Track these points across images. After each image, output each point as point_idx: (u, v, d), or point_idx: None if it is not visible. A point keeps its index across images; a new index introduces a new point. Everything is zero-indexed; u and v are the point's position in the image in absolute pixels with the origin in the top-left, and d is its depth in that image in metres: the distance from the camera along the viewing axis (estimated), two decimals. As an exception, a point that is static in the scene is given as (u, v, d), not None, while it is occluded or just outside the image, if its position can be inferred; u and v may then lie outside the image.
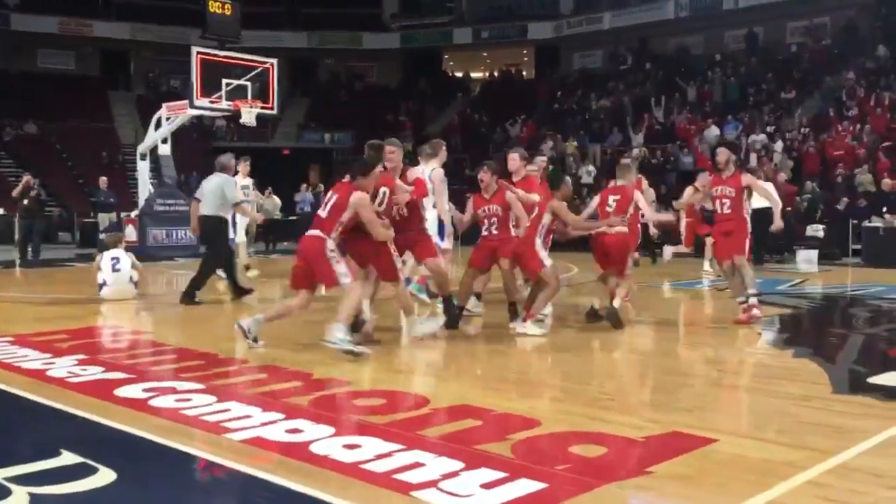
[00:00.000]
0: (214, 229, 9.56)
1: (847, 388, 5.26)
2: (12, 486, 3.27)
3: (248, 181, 11.93)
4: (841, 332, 8.24)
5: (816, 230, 16.83)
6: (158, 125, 17.35)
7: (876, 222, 16.24)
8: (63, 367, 5.67)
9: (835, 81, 24.96)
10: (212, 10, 15.75)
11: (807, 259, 16.19)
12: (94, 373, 5.50)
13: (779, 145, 21.69)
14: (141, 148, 18.23)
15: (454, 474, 3.47)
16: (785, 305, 9.69)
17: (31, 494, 3.20)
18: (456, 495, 3.23)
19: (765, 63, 27.84)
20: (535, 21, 34.83)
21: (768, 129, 23.04)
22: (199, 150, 29.45)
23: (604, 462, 3.73)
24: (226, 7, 15.97)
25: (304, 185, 21.84)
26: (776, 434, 4.15)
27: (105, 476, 3.43)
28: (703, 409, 4.86)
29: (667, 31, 31.77)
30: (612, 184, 8.22)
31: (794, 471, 3.53)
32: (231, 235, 10.84)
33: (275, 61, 17.01)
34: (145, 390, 4.97)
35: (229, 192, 9.46)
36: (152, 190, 17.76)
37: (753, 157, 21.75)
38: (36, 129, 29.42)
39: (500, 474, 3.45)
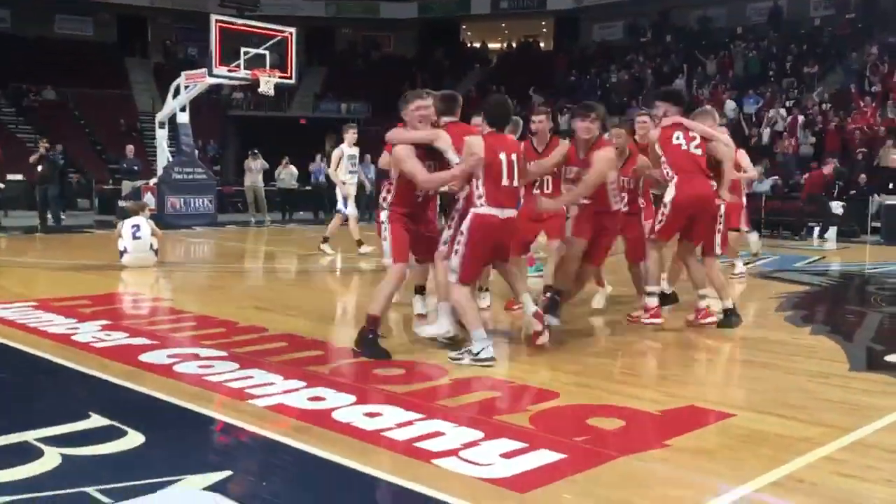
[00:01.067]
0: None
1: (864, 365, 5.28)
2: (44, 447, 3.36)
3: (355, 150, 11.50)
4: (858, 309, 8.23)
5: (836, 207, 16.72)
6: (177, 93, 17.38)
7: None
8: (88, 332, 5.77)
9: (858, 56, 24.63)
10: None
11: (825, 236, 16.12)
12: (118, 338, 5.59)
13: (800, 120, 21.50)
14: (159, 116, 18.29)
15: (474, 444, 3.53)
16: (802, 283, 9.68)
17: (63, 455, 3.28)
18: (476, 464, 3.29)
19: (787, 37, 27.50)
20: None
21: (787, 103, 22.83)
22: (216, 118, 29.50)
23: (622, 434, 3.78)
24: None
25: (319, 156, 21.83)
26: (793, 410, 4.18)
27: (134, 439, 3.52)
28: (721, 384, 4.91)
29: (688, 2, 31.36)
30: None
31: (811, 446, 3.57)
32: (340, 206, 11.16)
33: (293, 30, 16.97)
34: (169, 356, 5.06)
35: None
36: (170, 158, 17.84)
37: (767, 132, 21.66)
38: (54, 95, 29.50)
39: (520, 444, 3.51)
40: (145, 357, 5.04)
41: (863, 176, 18.13)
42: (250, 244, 14.86)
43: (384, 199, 5.50)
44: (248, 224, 17.87)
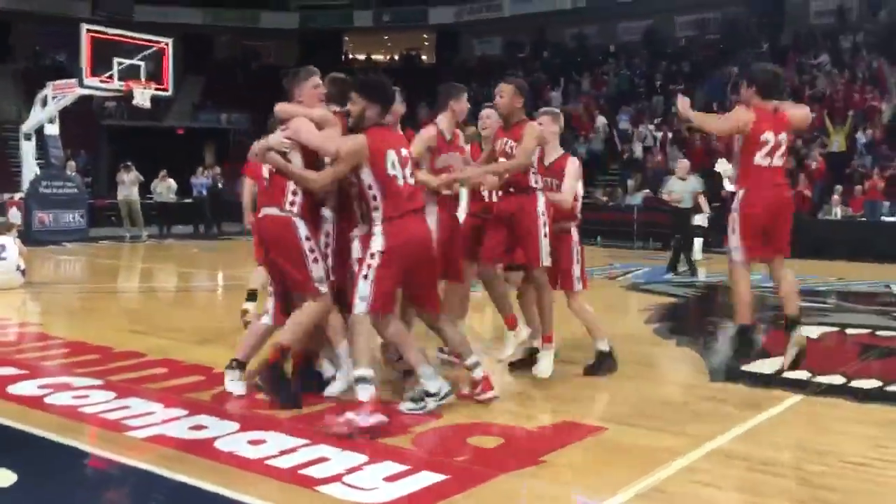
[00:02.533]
0: None
1: (723, 375, 5.64)
2: None
3: None
4: (719, 320, 8.70)
5: (701, 218, 17.64)
6: (45, 104, 16.61)
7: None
8: (-51, 363, 5.48)
9: (721, 75, 26.16)
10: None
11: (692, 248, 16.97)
12: (-17, 369, 5.35)
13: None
14: (25, 127, 17.37)
15: (358, 468, 3.61)
16: (670, 294, 10.20)
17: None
18: (360, 489, 3.37)
19: (656, 55, 28.92)
20: (436, 6, 34.93)
21: (655, 120, 23.99)
22: (87, 128, 28.26)
23: (500, 452, 3.94)
24: (119, -17, 15.44)
25: (200, 168, 21.27)
26: (659, 422, 4.45)
27: (5, 477, 3.40)
28: (592, 398, 5.15)
29: (564, 20, 32.45)
30: None
31: (673, 456, 3.83)
32: None
33: (170, 41, 16.54)
34: (40, 387, 4.88)
35: None
36: (38, 171, 17.00)
37: (639, 147, 22.75)
38: None
39: (403, 467, 3.61)
40: (14, 389, 4.84)
41: (729, 188, 19.21)
42: (125, 261, 14.36)
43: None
44: (122, 239, 17.22)
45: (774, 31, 27.44)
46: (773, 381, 5.41)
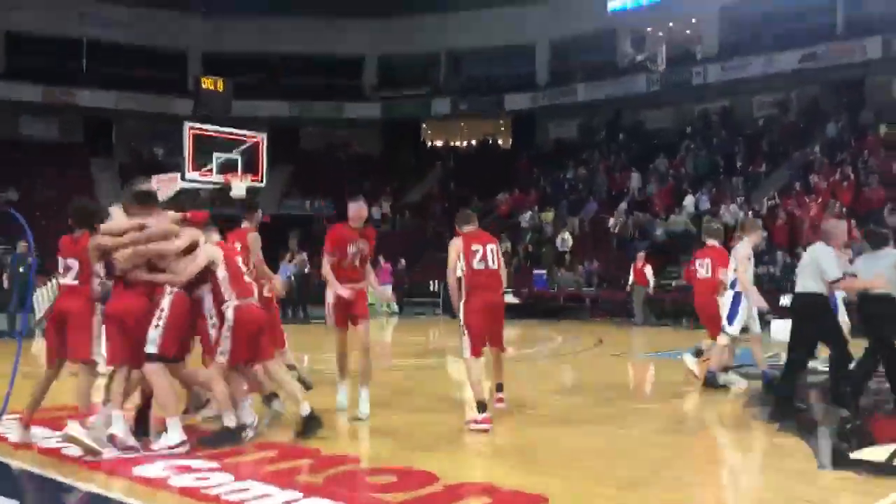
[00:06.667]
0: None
1: (830, 463, 5.53)
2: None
3: None
4: (819, 406, 8.47)
5: (789, 300, 17.30)
6: (148, 196, 17.59)
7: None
8: None
9: (801, 155, 25.92)
10: (205, 87, 16.23)
11: (781, 329, 16.61)
12: None
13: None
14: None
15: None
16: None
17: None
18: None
19: (734, 135, 28.87)
20: (511, 92, 35.80)
21: (738, 199, 23.81)
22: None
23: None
24: (218, 84, 16.48)
25: (288, 255, 21.99)
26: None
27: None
28: (700, 485, 5.12)
29: (639, 103, 32.78)
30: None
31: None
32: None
33: (264, 136, 17.46)
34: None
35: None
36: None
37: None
38: (17, 197, 29.51)
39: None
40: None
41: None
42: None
43: None
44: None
45: (854, 107, 27.18)
46: (884, 469, 5.31)
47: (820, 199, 21.93)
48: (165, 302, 5.71)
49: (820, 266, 7.05)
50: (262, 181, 17.56)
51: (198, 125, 16.31)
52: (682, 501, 4.61)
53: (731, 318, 8.65)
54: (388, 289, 23.11)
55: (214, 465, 5.25)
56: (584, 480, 5.09)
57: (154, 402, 5.85)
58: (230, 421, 5.85)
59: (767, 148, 27.33)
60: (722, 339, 8.72)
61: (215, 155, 16.14)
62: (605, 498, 4.63)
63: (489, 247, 6.83)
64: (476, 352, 6.67)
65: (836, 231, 7.57)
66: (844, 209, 20.45)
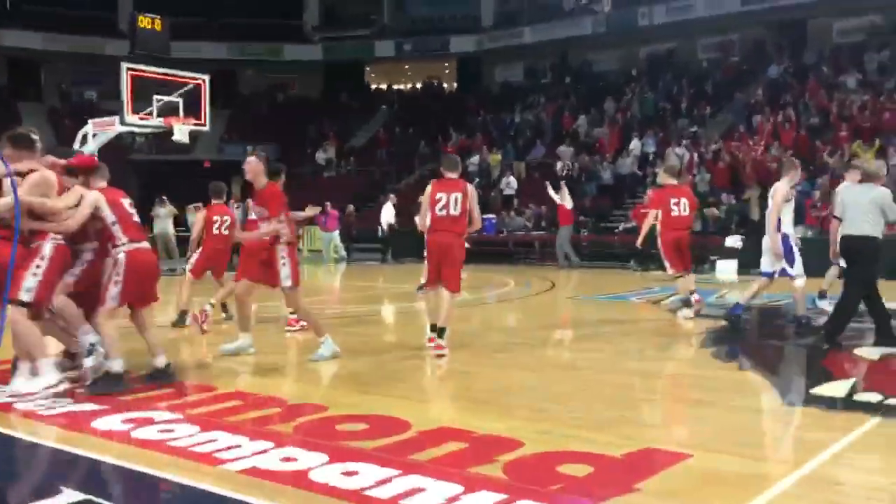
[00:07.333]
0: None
1: (795, 399, 5.63)
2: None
3: None
4: (777, 343, 8.66)
5: (735, 241, 17.65)
6: (84, 141, 16.91)
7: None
8: None
9: (744, 96, 26.21)
10: (141, 26, 15.49)
11: (726, 269, 16.98)
12: None
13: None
14: (64, 164, 17.65)
15: (456, 498, 3.63)
16: (716, 317, 10.15)
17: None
18: (466, 519, 3.40)
19: (679, 78, 29.02)
20: (457, 34, 35.27)
21: (684, 142, 24.03)
22: (118, 163, 28.67)
23: (593, 481, 3.96)
24: (155, 23, 15.75)
25: (231, 201, 21.48)
26: (744, 447, 4.46)
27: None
28: (669, 424, 5.16)
29: (585, 46, 32.67)
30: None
31: (768, 483, 3.83)
32: None
33: (207, 77, 16.84)
34: (123, 421, 4.96)
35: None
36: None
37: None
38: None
39: (502, 496, 3.63)
40: (97, 423, 4.91)
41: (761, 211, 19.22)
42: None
43: None
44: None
45: (796, 50, 27.53)
46: (845, 404, 5.41)
47: (763, 141, 22.26)
48: (47, 250, 5.63)
49: (884, 208, 7.25)
50: (205, 125, 16.99)
51: (138, 66, 15.60)
52: (654, 441, 4.62)
53: (791, 262, 8.60)
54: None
55: (177, 416, 5.09)
56: (555, 423, 5.08)
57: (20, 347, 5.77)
58: (118, 367, 5.82)
59: (712, 90, 27.56)
60: (799, 283, 8.68)
61: (155, 98, 15.52)
62: (580, 440, 4.61)
63: (453, 195, 7.43)
64: (430, 285, 7.63)
65: (881, 172, 7.84)
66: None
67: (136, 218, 6.15)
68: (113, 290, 5.85)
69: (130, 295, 5.95)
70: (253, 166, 6.99)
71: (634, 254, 17.27)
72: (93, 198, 5.90)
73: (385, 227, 21.96)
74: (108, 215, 5.91)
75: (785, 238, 8.53)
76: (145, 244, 6.13)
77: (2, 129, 6.18)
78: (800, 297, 8.78)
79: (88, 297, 6.06)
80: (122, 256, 5.88)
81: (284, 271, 6.98)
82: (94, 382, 5.84)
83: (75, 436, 4.73)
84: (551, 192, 19.05)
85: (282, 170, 7.84)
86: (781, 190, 8.45)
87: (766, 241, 8.64)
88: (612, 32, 31.18)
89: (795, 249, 8.65)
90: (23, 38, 32.03)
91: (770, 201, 8.53)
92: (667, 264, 10.13)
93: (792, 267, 8.60)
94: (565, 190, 19.10)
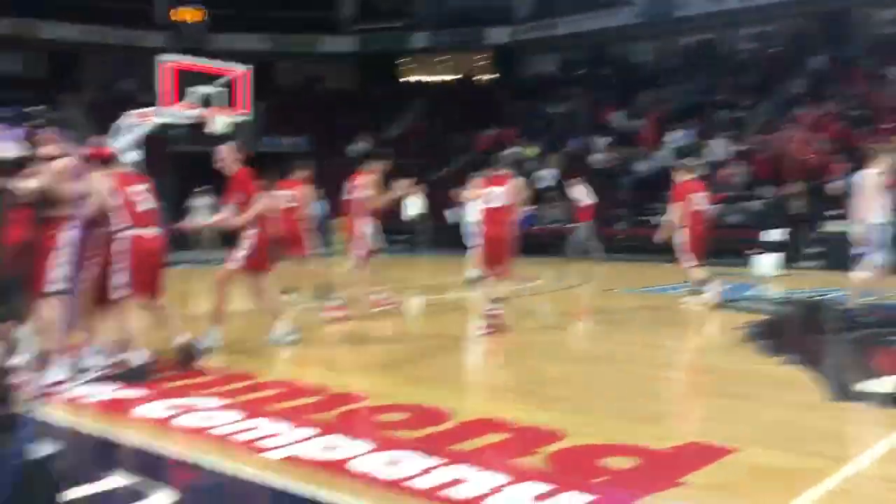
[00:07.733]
0: None
1: (839, 395, 5.53)
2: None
3: None
4: (821, 337, 8.51)
5: (775, 234, 17.36)
6: (117, 133, 17.05)
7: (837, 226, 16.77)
8: None
9: (785, 88, 25.76)
10: (179, 19, 15.59)
11: (765, 264, 16.68)
12: None
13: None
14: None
15: (500, 489, 3.62)
16: (756, 311, 10.01)
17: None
18: (513, 510, 3.39)
19: (718, 70, 28.59)
20: (491, 26, 35.09)
21: (722, 134, 23.68)
22: (155, 155, 29.01)
23: (638, 474, 3.92)
24: (194, 15, 15.85)
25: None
26: (789, 442, 4.39)
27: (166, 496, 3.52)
28: (713, 418, 5.09)
29: (621, 37, 32.31)
30: None
31: (817, 478, 3.77)
32: None
33: (250, 68, 16.97)
34: (166, 409, 5.01)
35: None
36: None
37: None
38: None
39: (549, 486, 3.61)
40: (139, 411, 4.97)
41: (800, 204, 18.91)
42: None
43: None
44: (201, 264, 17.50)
45: (838, 41, 26.97)
46: (892, 400, 5.31)
47: (805, 134, 21.86)
48: (66, 238, 5.52)
49: None
50: (249, 114, 17.10)
51: (176, 58, 15.71)
52: (700, 434, 4.57)
53: (878, 250, 8.48)
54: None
55: (220, 403, 5.14)
56: (597, 415, 5.05)
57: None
58: (139, 359, 5.87)
59: (751, 82, 27.12)
60: (863, 275, 8.60)
61: (193, 89, 15.62)
62: (623, 433, 4.57)
63: (496, 190, 8.11)
64: (487, 273, 8.24)
65: None
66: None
67: (148, 205, 6.14)
68: (120, 279, 5.86)
69: (133, 282, 5.93)
70: (224, 154, 7.36)
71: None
72: (99, 184, 5.87)
73: (414, 217, 21.73)
74: (109, 200, 5.89)
75: (876, 227, 8.38)
76: (151, 231, 6.12)
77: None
78: (856, 290, 8.63)
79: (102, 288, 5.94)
80: (126, 242, 5.91)
81: (240, 252, 7.15)
82: (119, 376, 5.82)
83: (117, 421, 4.80)
84: (569, 191, 19.05)
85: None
86: (870, 179, 8.31)
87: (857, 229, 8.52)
88: (648, 23, 30.77)
89: (884, 239, 8.44)
90: (59, 30, 32.44)
91: (858, 189, 8.41)
92: (686, 257, 10.08)
93: (873, 256, 8.45)
94: (582, 187, 18.92)
